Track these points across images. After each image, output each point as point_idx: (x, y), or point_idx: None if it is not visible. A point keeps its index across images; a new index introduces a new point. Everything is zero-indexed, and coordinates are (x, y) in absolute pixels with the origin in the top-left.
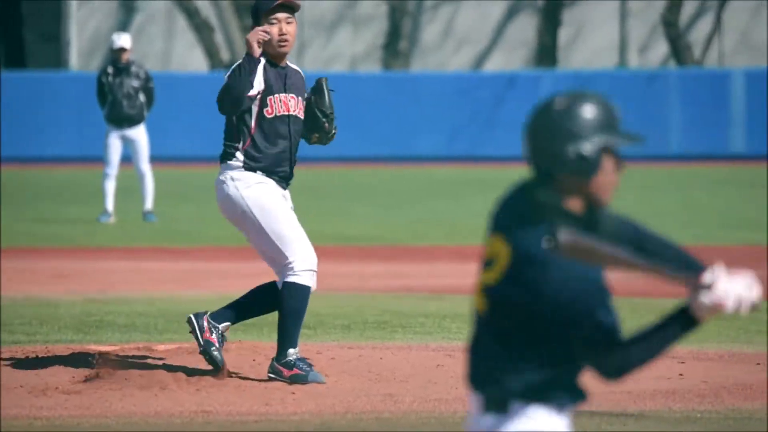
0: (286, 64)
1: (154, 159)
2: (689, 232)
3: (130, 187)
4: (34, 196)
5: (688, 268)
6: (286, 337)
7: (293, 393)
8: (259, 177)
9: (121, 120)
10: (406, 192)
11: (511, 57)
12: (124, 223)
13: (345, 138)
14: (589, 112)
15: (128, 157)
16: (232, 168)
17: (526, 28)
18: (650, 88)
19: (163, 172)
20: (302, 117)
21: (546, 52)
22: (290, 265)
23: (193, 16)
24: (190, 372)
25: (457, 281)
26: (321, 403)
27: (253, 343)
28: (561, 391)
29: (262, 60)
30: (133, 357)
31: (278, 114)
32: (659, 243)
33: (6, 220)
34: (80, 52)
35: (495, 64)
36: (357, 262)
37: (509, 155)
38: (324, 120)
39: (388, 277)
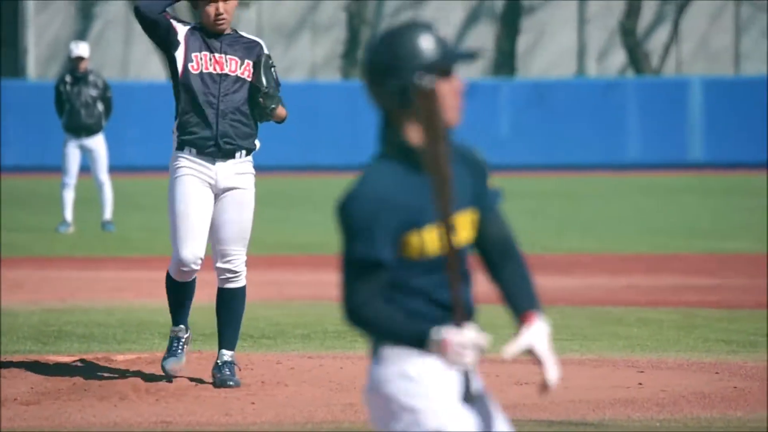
0: (230, 33)
1: (113, 168)
2: (645, 240)
3: (89, 196)
4: None
5: (522, 301)
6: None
7: (253, 403)
8: (183, 159)
9: (80, 129)
10: None
11: (470, 65)
12: (83, 233)
13: (302, 146)
14: (403, 43)
15: (87, 167)
16: (173, 150)
17: (485, 35)
18: (608, 97)
19: (122, 182)
20: (246, 80)
21: (505, 60)
22: (173, 259)
23: None
24: (150, 382)
25: None
26: (281, 413)
27: (213, 353)
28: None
29: (192, 24)
30: (92, 367)
31: (205, 71)
32: (518, 268)
33: None
34: (38, 60)
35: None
36: (314, 271)
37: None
38: (259, 96)
39: None
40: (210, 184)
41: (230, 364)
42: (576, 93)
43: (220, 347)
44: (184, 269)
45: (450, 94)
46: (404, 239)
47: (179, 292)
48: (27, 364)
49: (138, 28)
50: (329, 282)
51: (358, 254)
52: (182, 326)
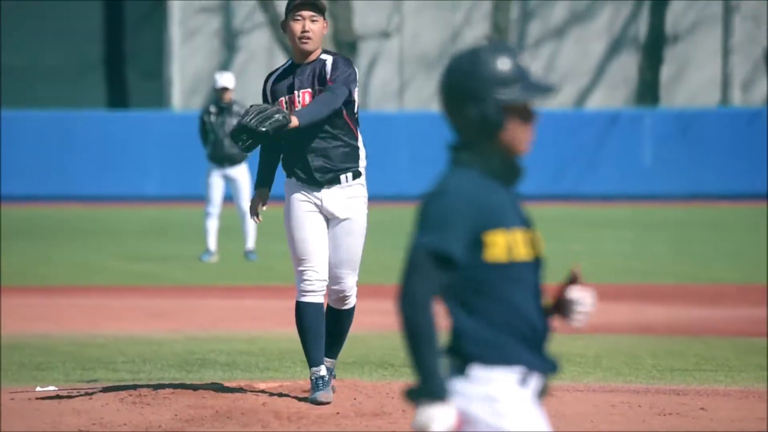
0: (319, 58)
1: None
2: None
3: (232, 225)
4: (136, 234)
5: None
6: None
7: None
8: (291, 186)
9: (223, 159)
10: None
11: (613, 95)
12: (226, 262)
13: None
14: (488, 68)
15: (230, 196)
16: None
17: (628, 65)
18: (753, 127)
19: (264, 211)
20: None
21: (648, 90)
22: (297, 283)
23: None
24: (292, 410)
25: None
26: None
27: (353, 381)
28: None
29: (282, 66)
30: (235, 395)
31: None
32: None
33: (106, 258)
34: (182, 91)
35: (597, 102)
36: None
37: (612, 193)
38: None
39: None
40: (317, 205)
41: (329, 371)
42: (720, 123)
43: (324, 355)
44: (308, 288)
45: (524, 127)
46: (489, 238)
47: (311, 322)
48: (171, 392)
49: (281, 61)
50: None
51: (428, 244)
52: (321, 366)
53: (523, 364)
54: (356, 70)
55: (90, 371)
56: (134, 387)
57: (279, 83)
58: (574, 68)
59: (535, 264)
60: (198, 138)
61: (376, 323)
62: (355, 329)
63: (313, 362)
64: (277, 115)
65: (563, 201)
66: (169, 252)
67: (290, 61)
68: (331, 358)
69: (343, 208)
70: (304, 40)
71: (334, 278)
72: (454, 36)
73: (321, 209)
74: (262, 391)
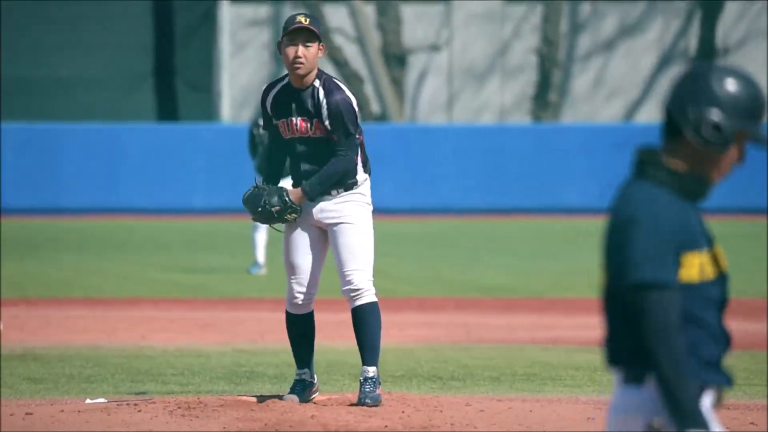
0: (313, 85)
1: None
2: None
3: (281, 238)
4: (184, 246)
5: None
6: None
7: None
8: None
9: None
10: (552, 244)
11: (663, 109)
12: (274, 274)
13: (492, 188)
14: (741, 90)
15: None
16: None
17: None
18: None
19: None
20: (321, 137)
21: None
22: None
23: (342, 66)
24: (340, 423)
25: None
26: None
27: (402, 395)
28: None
29: (281, 83)
30: (284, 408)
31: (285, 137)
32: None
33: (155, 271)
34: (231, 104)
35: (646, 116)
36: (501, 314)
37: None
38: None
39: (535, 329)
40: (310, 220)
41: (372, 380)
42: None
43: (363, 364)
44: (293, 301)
45: (734, 159)
46: (686, 259)
47: (296, 329)
48: (220, 404)
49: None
50: (517, 325)
51: (654, 279)
52: (306, 370)
53: (708, 380)
54: (351, 97)
55: (139, 383)
56: (183, 399)
57: (278, 103)
58: (623, 82)
59: (720, 279)
60: (247, 151)
61: (424, 336)
62: (401, 341)
63: (296, 364)
64: (275, 206)
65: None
66: (218, 264)
67: (287, 80)
68: (369, 365)
69: (333, 212)
70: (297, 65)
71: (341, 279)
72: (503, 49)
73: (312, 220)
74: (310, 405)
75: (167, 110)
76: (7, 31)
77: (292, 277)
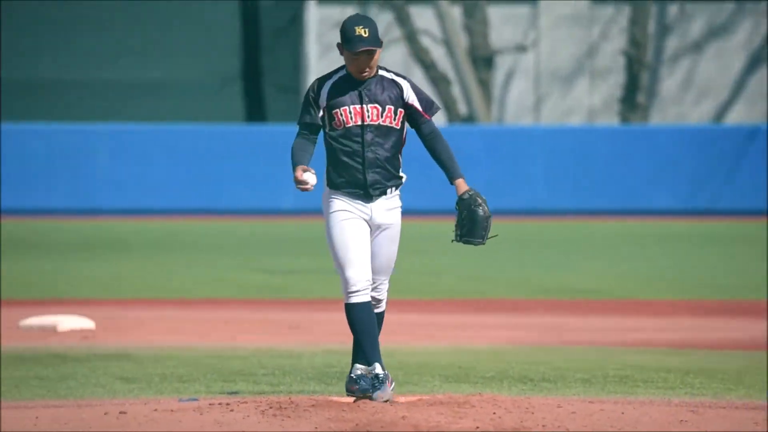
0: (376, 74)
1: None
2: None
3: None
4: (273, 247)
5: None
6: (353, 353)
7: None
8: (333, 198)
9: None
10: (641, 246)
11: (753, 109)
12: None
13: (581, 190)
14: None
15: None
16: (326, 188)
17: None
18: None
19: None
20: (390, 125)
21: None
22: (342, 287)
23: (429, 69)
24: (432, 424)
25: (696, 336)
26: None
27: (493, 396)
28: None
29: (337, 75)
30: (375, 409)
31: (347, 126)
32: None
33: (245, 272)
34: None
35: (736, 117)
36: (591, 316)
37: (750, 209)
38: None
39: (624, 331)
40: (362, 212)
41: (364, 377)
42: None
43: (354, 362)
44: (353, 288)
45: None
46: None
47: (363, 322)
48: (311, 405)
49: (417, 75)
50: (607, 327)
51: None
52: (377, 363)
53: None
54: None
55: (231, 383)
56: (275, 399)
57: (341, 94)
58: (712, 83)
59: None
60: None
61: (515, 338)
62: (492, 343)
63: (368, 360)
64: (486, 219)
65: (700, 216)
66: (308, 265)
67: (345, 72)
68: (363, 364)
69: (386, 217)
70: (363, 73)
71: (372, 283)
72: (591, 51)
73: (369, 218)
74: (401, 406)
75: (255, 112)
76: (95, 34)
77: (354, 269)
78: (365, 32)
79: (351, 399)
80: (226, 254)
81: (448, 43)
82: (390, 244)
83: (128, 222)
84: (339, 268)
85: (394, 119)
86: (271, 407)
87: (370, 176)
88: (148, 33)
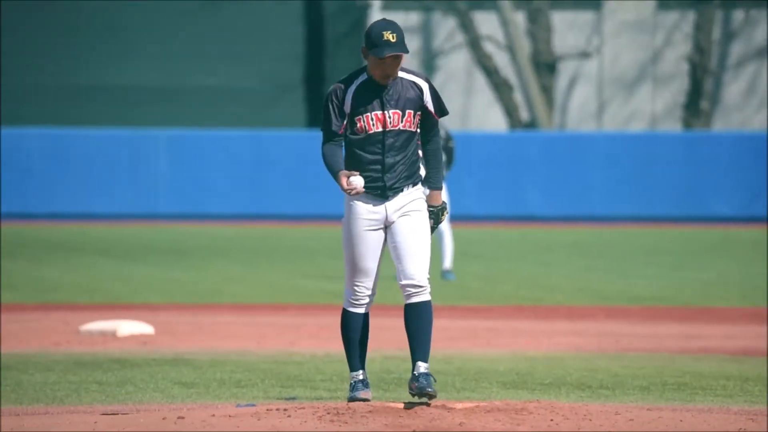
0: (400, 78)
1: (453, 218)
2: None
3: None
4: (330, 253)
5: None
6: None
7: None
8: (354, 200)
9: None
10: (701, 253)
11: None
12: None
13: (642, 197)
14: None
15: None
16: None
17: None
18: None
19: (461, 231)
20: (410, 129)
21: None
22: (345, 293)
23: (492, 74)
24: (489, 430)
25: (755, 343)
26: None
27: (550, 403)
28: None
29: (359, 80)
30: (432, 415)
31: (369, 132)
32: None
33: (301, 277)
34: None
35: None
36: (650, 323)
37: None
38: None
39: (684, 339)
40: (378, 220)
41: (426, 375)
42: None
43: (415, 360)
44: (353, 299)
45: None
46: None
47: (360, 328)
48: (368, 411)
49: (480, 81)
50: (666, 334)
51: None
52: (361, 371)
53: None
54: None
55: (289, 389)
56: (332, 405)
57: (364, 98)
58: None
59: None
60: None
61: (573, 344)
62: (550, 349)
63: (353, 367)
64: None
65: (760, 223)
66: None
67: (366, 75)
68: (421, 360)
69: (403, 208)
70: (385, 80)
71: (404, 273)
72: (655, 57)
73: (384, 220)
74: (458, 413)
75: (317, 118)
76: (159, 39)
77: (361, 280)
78: (393, 37)
79: (405, 405)
80: (283, 260)
81: (511, 49)
82: (411, 230)
83: (187, 227)
84: (346, 275)
85: (413, 123)
86: (328, 413)
87: (389, 180)
88: (211, 40)
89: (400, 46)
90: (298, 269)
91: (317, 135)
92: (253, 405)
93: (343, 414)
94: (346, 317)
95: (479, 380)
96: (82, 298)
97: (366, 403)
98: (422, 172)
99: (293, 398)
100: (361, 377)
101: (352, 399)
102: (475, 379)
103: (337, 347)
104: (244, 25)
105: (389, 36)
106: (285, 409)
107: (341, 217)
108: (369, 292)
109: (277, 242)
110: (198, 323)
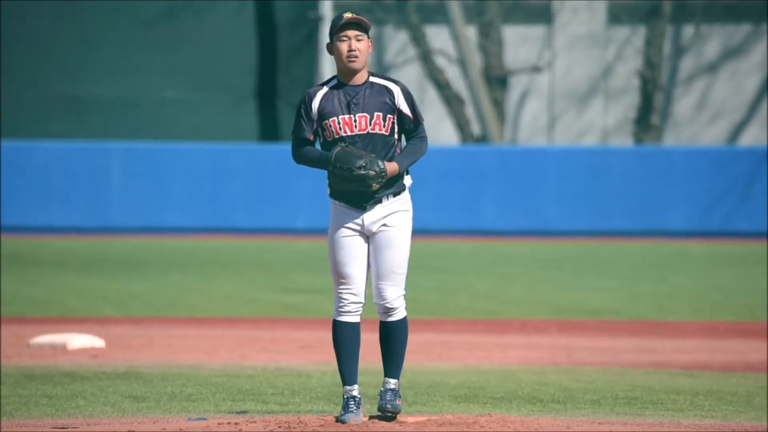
0: (366, 80)
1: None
2: None
3: None
4: (286, 267)
5: None
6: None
7: None
8: (335, 207)
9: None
10: (655, 266)
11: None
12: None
13: (595, 211)
14: None
15: None
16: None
17: None
18: None
19: (416, 245)
20: (382, 132)
21: None
22: (334, 303)
23: (443, 88)
24: None
25: (707, 357)
26: None
27: (502, 417)
28: None
29: (329, 85)
30: (384, 429)
31: (336, 136)
32: None
33: (256, 290)
34: None
35: (750, 138)
36: (604, 336)
37: (764, 230)
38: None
39: (636, 352)
40: (358, 230)
41: (393, 391)
42: None
43: (385, 375)
44: (342, 307)
45: None
46: None
47: (345, 342)
48: (320, 425)
49: (431, 94)
50: (619, 348)
51: None
52: (356, 386)
53: None
54: None
55: (240, 402)
56: (284, 419)
57: (331, 102)
58: (727, 104)
59: None
60: None
61: (525, 358)
62: (503, 363)
63: (345, 381)
64: (374, 170)
65: (714, 237)
66: (319, 284)
67: (336, 81)
68: (391, 377)
69: (382, 222)
70: (352, 59)
71: (377, 292)
72: (606, 71)
73: (362, 229)
74: (409, 426)
75: (269, 130)
76: (109, 52)
77: (346, 287)
78: (351, 15)
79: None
80: (237, 273)
81: (462, 63)
82: (388, 249)
83: (144, 240)
84: (334, 282)
85: (383, 126)
86: (279, 427)
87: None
88: (163, 52)
89: (359, 19)
90: (252, 282)
91: (272, 148)
92: (204, 419)
93: (294, 428)
94: (335, 327)
95: (431, 394)
96: (36, 311)
97: (318, 416)
98: (407, 181)
99: (244, 412)
100: (353, 393)
101: (340, 421)
102: (426, 392)
103: (288, 360)
104: (200, 37)
105: (347, 14)
106: (236, 423)
107: (296, 231)
108: (354, 299)
109: (231, 255)
110: (151, 336)
